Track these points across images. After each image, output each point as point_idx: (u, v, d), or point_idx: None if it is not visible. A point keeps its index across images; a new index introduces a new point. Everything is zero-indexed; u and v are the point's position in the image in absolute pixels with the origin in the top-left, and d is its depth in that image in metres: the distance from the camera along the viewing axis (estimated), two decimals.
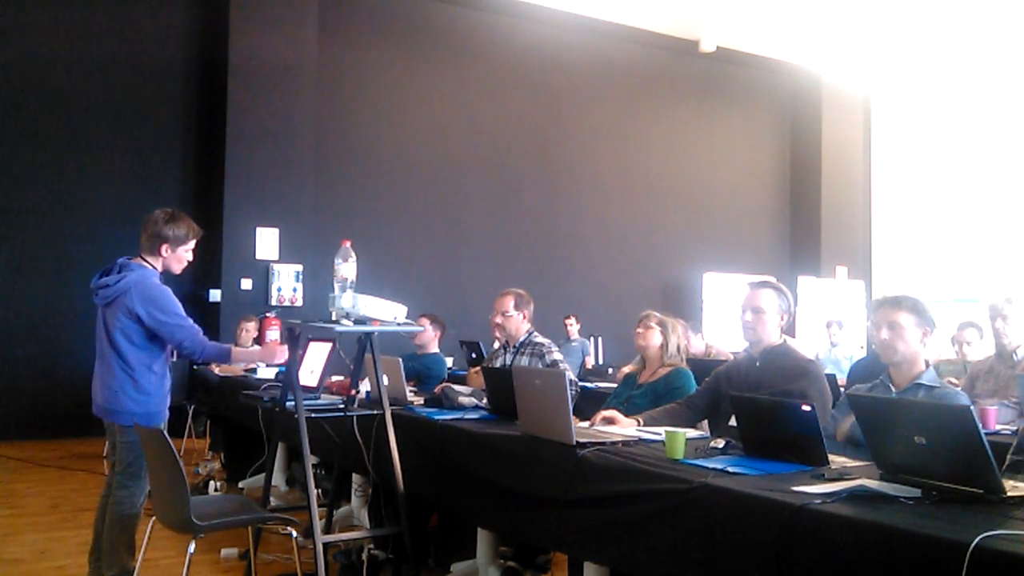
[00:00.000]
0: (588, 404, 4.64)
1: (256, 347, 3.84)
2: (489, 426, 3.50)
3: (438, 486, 3.57)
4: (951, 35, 10.66)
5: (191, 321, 3.59)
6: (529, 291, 4.75)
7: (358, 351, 3.76)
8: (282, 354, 3.82)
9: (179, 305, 3.59)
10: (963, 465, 2.07)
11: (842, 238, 12.90)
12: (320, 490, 4.69)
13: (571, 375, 4.63)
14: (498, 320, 4.61)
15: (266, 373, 6.18)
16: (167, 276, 3.68)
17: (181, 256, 3.68)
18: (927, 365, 3.01)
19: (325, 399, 3.87)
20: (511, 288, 4.70)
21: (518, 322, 4.59)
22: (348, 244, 3.48)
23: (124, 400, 3.55)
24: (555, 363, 4.40)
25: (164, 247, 3.62)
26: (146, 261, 3.64)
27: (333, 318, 3.40)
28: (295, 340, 3.58)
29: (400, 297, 3.53)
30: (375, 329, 3.44)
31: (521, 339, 4.60)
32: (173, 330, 3.53)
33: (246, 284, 9.02)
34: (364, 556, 3.97)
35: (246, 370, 6.67)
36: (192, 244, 3.70)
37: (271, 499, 4.10)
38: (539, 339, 4.59)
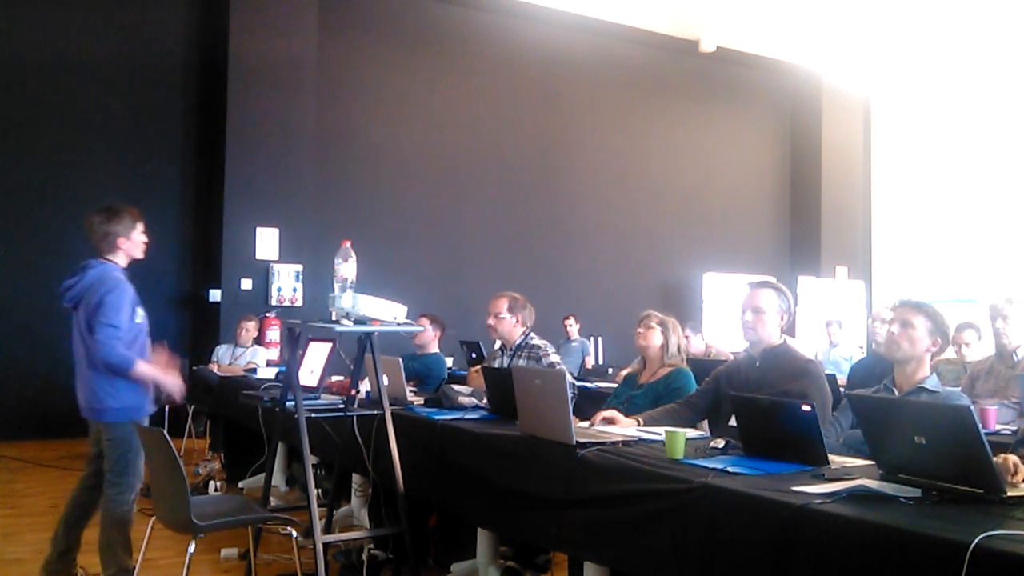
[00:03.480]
0: (588, 404, 4.63)
1: (156, 370, 3.79)
2: (489, 426, 3.50)
3: (438, 486, 3.57)
4: (951, 36, 10.66)
5: (122, 332, 3.58)
6: (529, 291, 4.73)
7: (358, 351, 3.76)
8: (175, 387, 3.78)
9: (126, 310, 3.61)
10: (963, 465, 2.07)
11: (842, 238, 12.90)
12: (320, 490, 4.69)
13: (569, 378, 4.62)
14: (490, 322, 4.59)
15: (266, 373, 6.20)
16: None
17: (137, 241, 3.78)
18: (931, 372, 3.02)
19: (325, 399, 3.87)
20: (508, 291, 4.69)
21: (510, 325, 4.56)
22: (348, 244, 3.48)
23: (104, 397, 3.61)
24: (552, 365, 4.38)
25: (120, 240, 3.72)
26: (108, 260, 3.71)
27: (333, 318, 3.40)
28: (295, 340, 3.58)
29: (400, 297, 3.53)
30: (375, 329, 3.44)
31: (517, 342, 4.57)
32: (97, 326, 3.54)
33: (246, 284, 9.02)
34: (364, 556, 3.97)
35: (246, 369, 6.69)
36: (141, 226, 3.79)
37: (271, 499, 4.10)
38: (536, 341, 4.56)
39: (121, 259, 3.74)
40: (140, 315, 3.72)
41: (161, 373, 3.73)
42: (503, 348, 4.65)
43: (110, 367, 3.60)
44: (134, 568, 3.69)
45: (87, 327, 3.59)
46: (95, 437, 3.78)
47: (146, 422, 3.70)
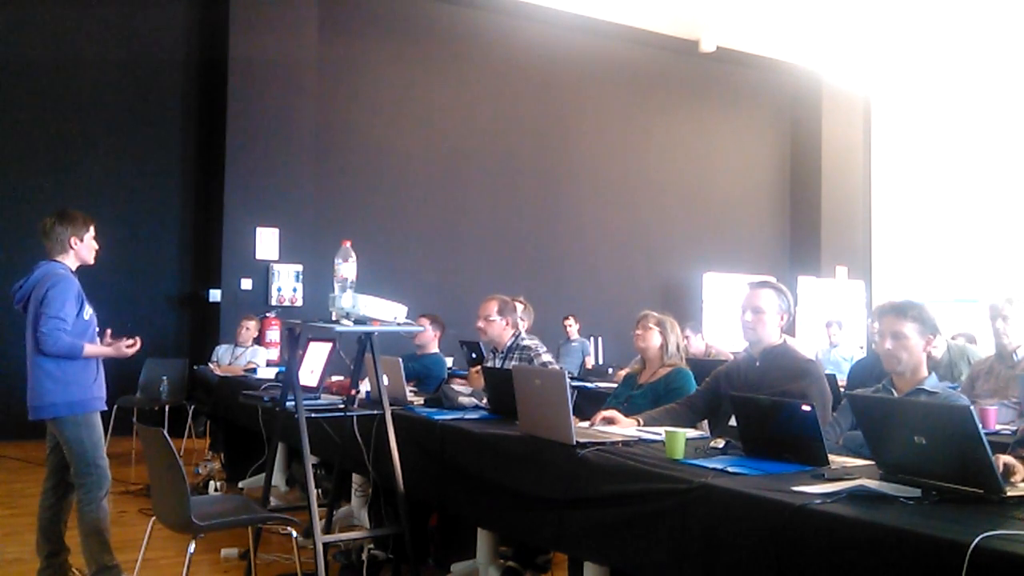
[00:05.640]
0: (588, 404, 4.63)
1: (104, 347, 3.84)
2: (489, 426, 3.50)
3: (438, 486, 3.57)
4: (951, 36, 10.66)
5: (68, 324, 3.65)
6: (529, 291, 4.73)
7: (358, 351, 3.76)
8: (121, 353, 3.83)
9: (70, 303, 3.67)
10: (963, 465, 2.07)
11: (842, 238, 12.90)
12: (320, 490, 4.69)
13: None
14: (480, 325, 4.59)
15: (266, 373, 6.20)
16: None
17: (89, 244, 3.84)
18: (930, 371, 3.00)
19: (325, 399, 3.88)
20: (499, 294, 4.68)
21: (500, 328, 4.56)
22: (348, 244, 3.48)
23: (48, 392, 3.69)
24: (545, 365, 4.38)
25: (72, 240, 3.78)
26: (56, 260, 3.78)
27: (333, 318, 3.40)
28: (295, 340, 3.58)
29: (400, 297, 3.53)
30: (375, 329, 3.44)
31: (508, 344, 4.58)
32: (43, 318, 3.61)
33: (246, 284, 9.02)
34: (364, 556, 3.97)
35: (246, 369, 6.69)
36: (92, 231, 3.85)
37: (271, 499, 4.10)
38: (527, 342, 4.56)
39: (71, 261, 3.80)
40: (88, 312, 3.78)
41: (109, 348, 3.80)
42: (494, 351, 4.64)
43: (60, 356, 3.65)
44: (115, 564, 3.69)
45: (35, 322, 3.64)
46: (49, 436, 3.84)
47: (99, 416, 3.75)
